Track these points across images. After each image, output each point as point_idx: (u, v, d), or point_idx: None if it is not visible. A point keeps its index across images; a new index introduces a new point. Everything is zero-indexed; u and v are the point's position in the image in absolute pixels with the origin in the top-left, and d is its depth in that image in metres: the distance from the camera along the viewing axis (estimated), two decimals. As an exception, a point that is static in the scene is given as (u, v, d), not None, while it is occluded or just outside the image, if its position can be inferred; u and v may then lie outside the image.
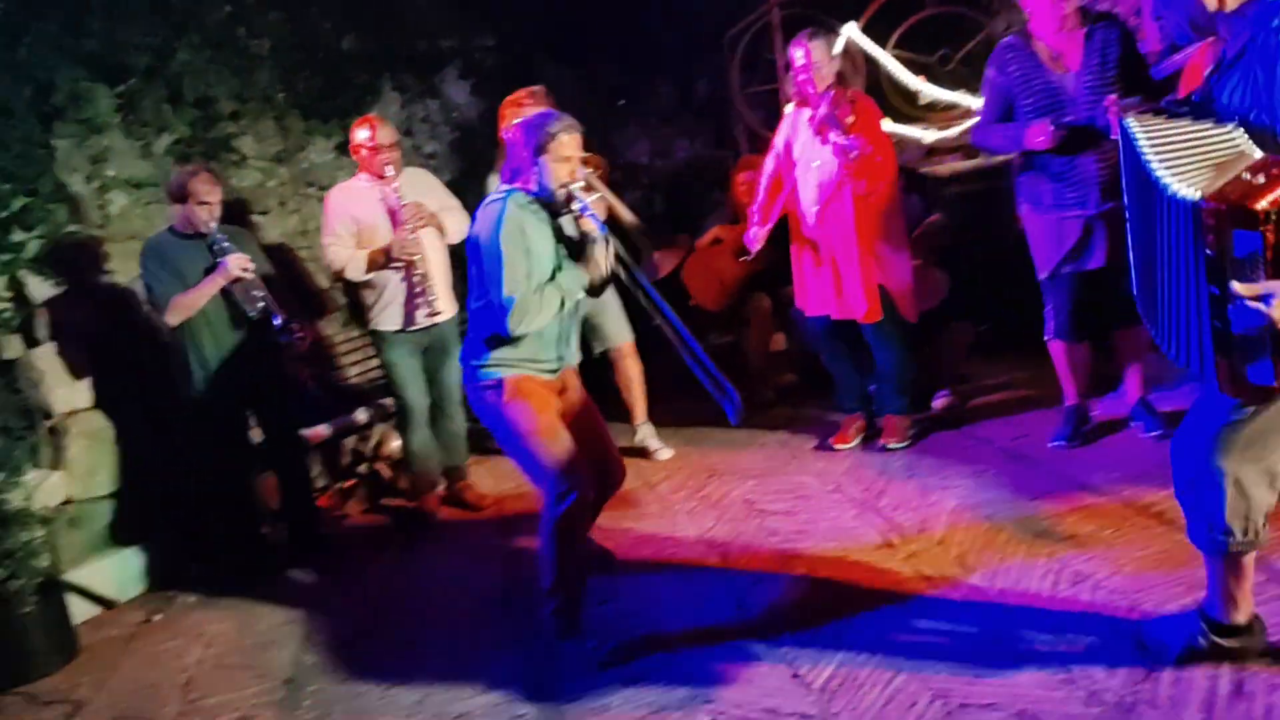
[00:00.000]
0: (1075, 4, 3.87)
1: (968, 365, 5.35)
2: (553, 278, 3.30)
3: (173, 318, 4.38)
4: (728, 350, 6.49)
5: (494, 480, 5.38)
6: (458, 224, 4.85)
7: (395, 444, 5.48)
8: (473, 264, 3.34)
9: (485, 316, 3.31)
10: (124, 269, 5.00)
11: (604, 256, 3.38)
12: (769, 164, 4.73)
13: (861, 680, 2.93)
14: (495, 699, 3.27)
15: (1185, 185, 2.07)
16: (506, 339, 3.29)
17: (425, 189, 4.86)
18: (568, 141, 3.27)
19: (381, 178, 4.68)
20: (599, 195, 3.47)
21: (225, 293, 4.42)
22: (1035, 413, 4.63)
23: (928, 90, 5.88)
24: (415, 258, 4.66)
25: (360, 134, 4.70)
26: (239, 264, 4.37)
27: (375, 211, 4.69)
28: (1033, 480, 4.02)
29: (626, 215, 3.54)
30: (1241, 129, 2.11)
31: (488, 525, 4.82)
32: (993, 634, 3.02)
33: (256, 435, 4.79)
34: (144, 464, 4.90)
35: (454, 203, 4.94)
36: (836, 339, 4.77)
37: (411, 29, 6.37)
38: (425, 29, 6.44)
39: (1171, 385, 4.38)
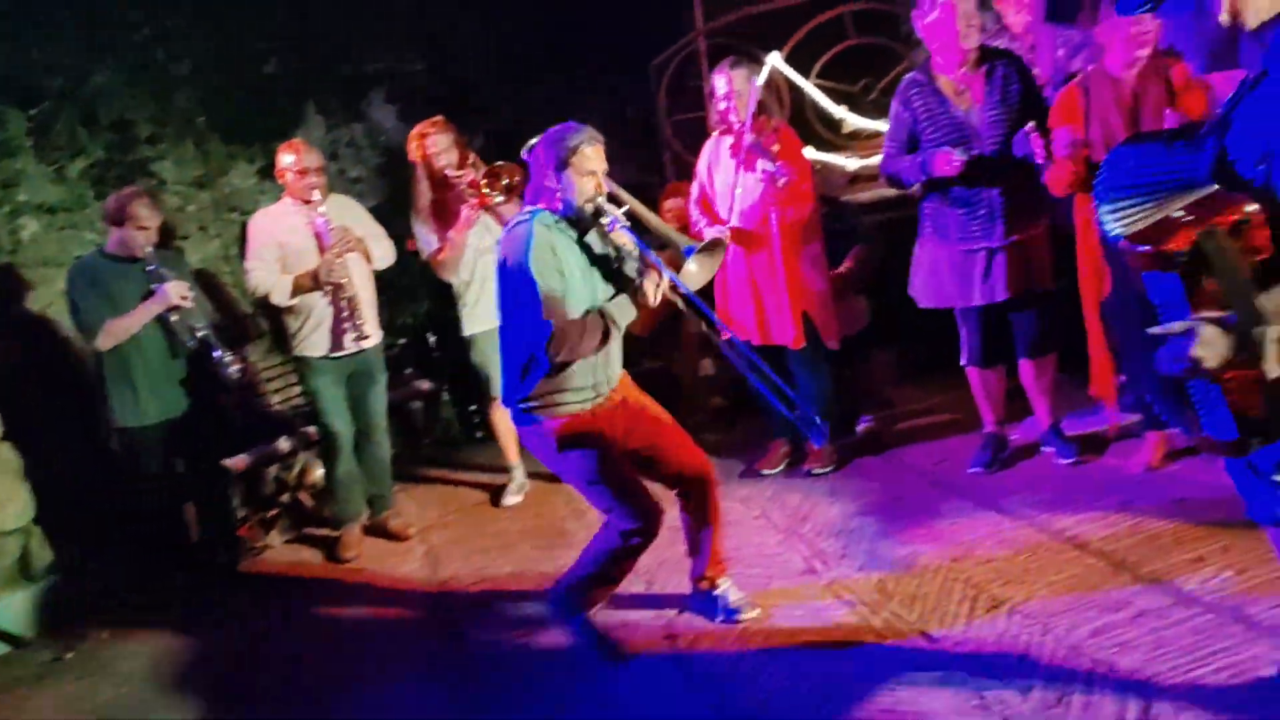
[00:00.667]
0: (976, 42, 3.98)
1: (891, 391, 5.43)
2: (588, 296, 3.13)
3: (104, 342, 4.28)
4: (656, 375, 6.52)
5: (419, 508, 5.33)
6: (383, 251, 4.83)
7: (319, 473, 5.39)
8: (504, 291, 3.17)
9: (519, 346, 3.17)
10: (37, 296, 4.88)
11: (652, 285, 3.14)
12: (695, 190, 4.78)
13: (782, 712, 2.94)
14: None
15: (1118, 224, 1.96)
16: (543, 369, 3.13)
17: (350, 215, 4.82)
18: (591, 154, 3.14)
19: (307, 202, 4.63)
20: (627, 205, 3.38)
21: (159, 319, 4.34)
22: (955, 438, 4.71)
23: (851, 119, 5.98)
24: (343, 282, 4.62)
25: (286, 158, 4.65)
26: (178, 291, 4.31)
27: (301, 236, 4.64)
28: (952, 506, 4.08)
29: (656, 222, 3.51)
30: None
31: (412, 554, 4.77)
32: (910, 659, 3.06)
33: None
34: (57, 496, 4.76)
35: (379, 230, 4.91)
36: (765, 360, 4.80)
37: (337, 52, 6.31)
38: (351, 52, 6.39)
39: (1083, 411, 4.48)
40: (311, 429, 5.25)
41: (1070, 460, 4.22)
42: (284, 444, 5.43)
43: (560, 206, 3.17)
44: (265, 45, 6.02)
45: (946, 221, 4.13)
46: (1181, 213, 1.87)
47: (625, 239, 3.22)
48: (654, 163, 6.72)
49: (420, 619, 4.07)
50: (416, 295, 6.36)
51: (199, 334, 4.34)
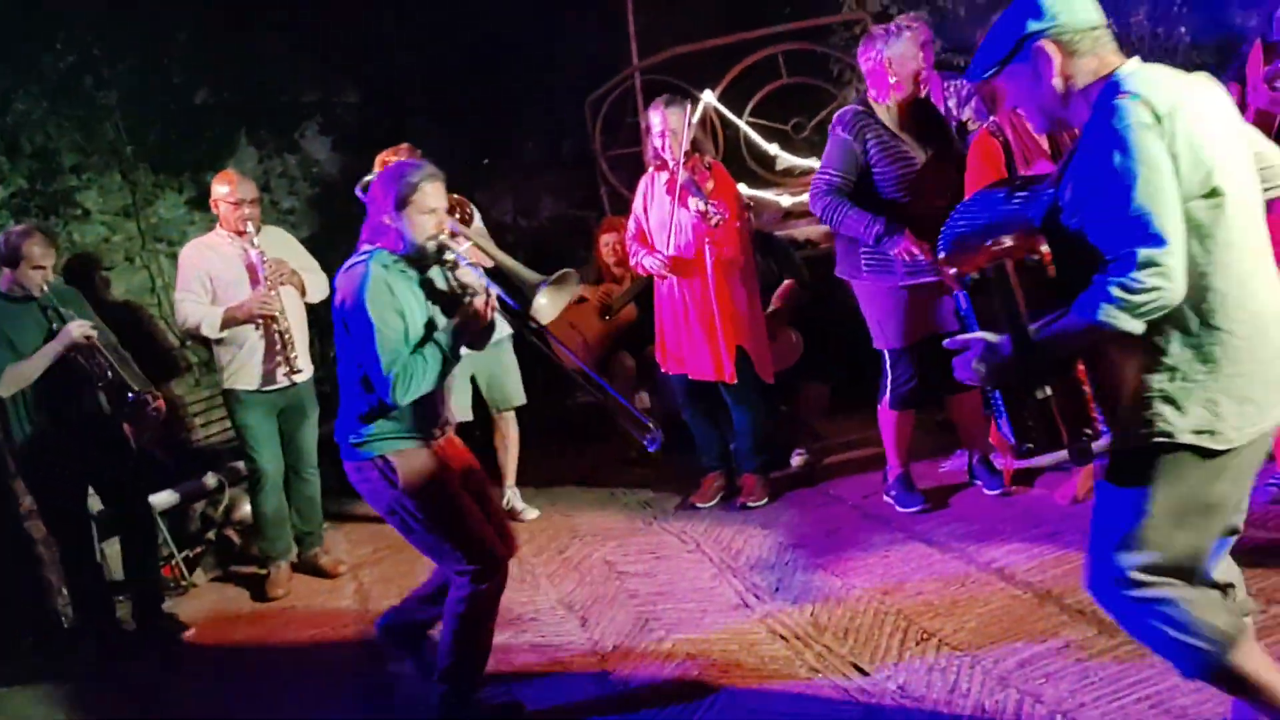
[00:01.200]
0: (911, 88, 4.04)
1: (822, 424, 5.48)
2: (428, 337, 3.05)
3: (5, 389, 4.07)
4: (591, 409, 6.52)
5: (350, 545, 5.24)
6: (317, 284, 4.77)
7: (246, 509, 5.28)
8: (340, 332, 3.07)
9: (359, 388, 3.06)
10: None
11: (485, 307, 3.05)
12: (631, 225, 4.80)
13: (716, 745, 2.95)
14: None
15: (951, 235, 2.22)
16: (387, 408, 3.03)
17: (284, 248, 4.76)
18: (431, 191, 3.05)
19: (241, 233, 4.56)
20: (470, 243, 3.33)
21: (63, 359, 4.17)
22: (884, 470, 4.76)
23: (783, 156, 6.08)
24: (276, 315, 4.55)
25: (220, 188, 4.58)
26: (82, 330, 4.12)
27: (233, 267, 4.57)
28: (884, 539, 4.12)
29: (502, 257, 3.52)
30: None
31: (341, 593, 4.68)
32: (843, 692, 3.07)
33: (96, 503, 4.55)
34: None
35: (313, 263, 4.85)
36: (696, 398, 4.84)
37: (271, 82, 6.26)
38: (285, 83, 6.35)
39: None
40: (240, 464, 5.15)
41: (998, 491, 4.29)
42: (210, 480, 5.32)
43: (400, 245, 3.08)
44: (196, 74, 5.95)
45: (890, 258, 4.03)
46: (991, 242, 2.11)
47: (471, 276, 3.17)
48: (590, 197, 6.75)
49: (349, 658, 3.99)
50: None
51: (107, 373, 4.17)
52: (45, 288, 4.14)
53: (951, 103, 4.66)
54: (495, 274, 3.30)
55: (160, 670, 4.20)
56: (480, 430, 5.45)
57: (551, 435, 6.13)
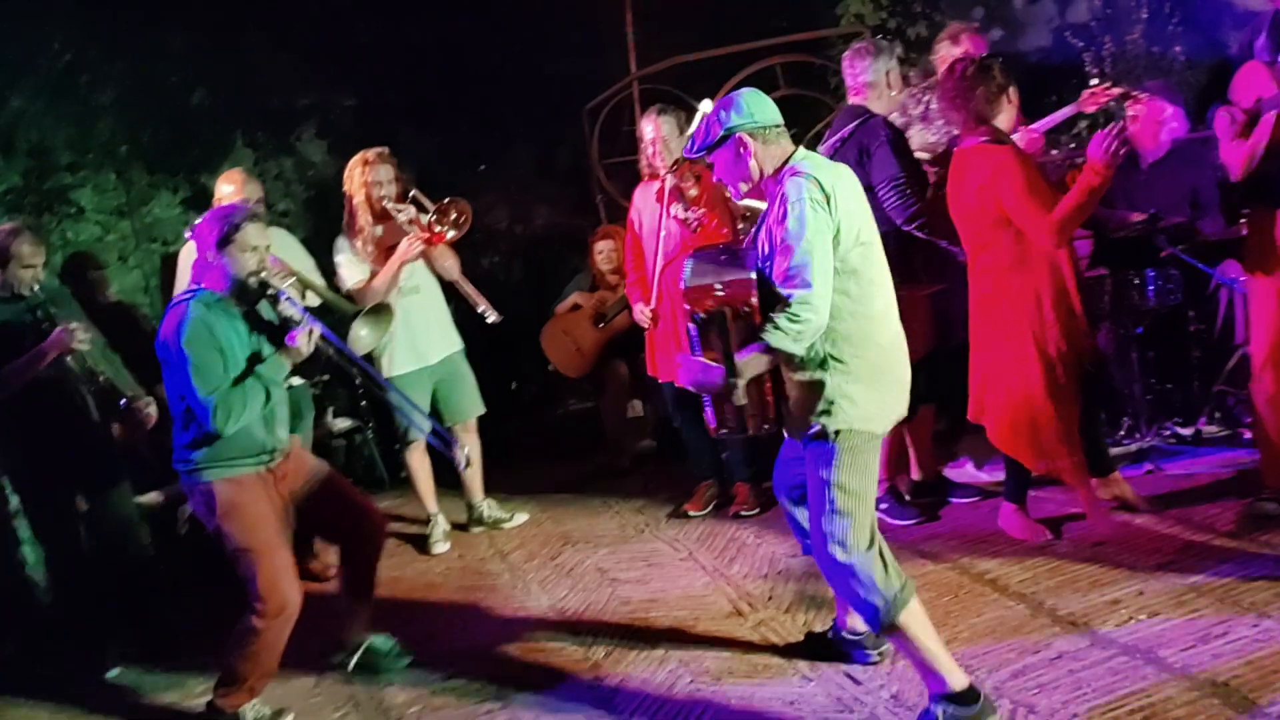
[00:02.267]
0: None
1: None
2: (250, 370, 3.29)
3: None
4: (585, 416, 6.52)
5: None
6: (321, 286, 4.73)
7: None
8: (165, 368, 3.30)
9: (182, 414, 3.30)
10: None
11: (305, 339, 3.34)
12: (628, 238, 4.82)
13: (708, 752, 2.93)
14: (332, 782, 3.14)
15: (686, 276, 2.83)
16: (213, 436, 3.24)
17: (289, 250, 4.73)
18: (253, 231, 3.30)
19: None
20: (293, 279, 3.61)
21: (55, 364, 4.10)
22: (879, 482, 4.75)
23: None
24: None
25: (225, 188, 4.56)
26: (74, 335, 4.08)
27: None
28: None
29: (322, 290, 3.80)
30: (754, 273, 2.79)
31: (327, 596, 4.63)
32: (836, 702, 3.06)
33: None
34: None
35: (311, 265, 4.81)
36: (688, 405, 4.83)
37: (267, 85, 6.26)
38: (281, 86, 6.34)
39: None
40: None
41: (910, 522, 4.28)
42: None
43: (224, 284, 3.31)
44: (192, 76, 5.94)
45: None
46: (719, 286, 2.76)
47: (291, 310, 3.40)
48: (585, 205, 6.76)
49: (331, 668, 3.96)
50: (342, 333, 6.26)
51: (99, 379, 4.13)
52: (35, 287, 4.09)
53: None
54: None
55: (146, 673, 4.16)
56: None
57: (544, 444, 6.12)
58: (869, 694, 3.07)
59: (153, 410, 4.25)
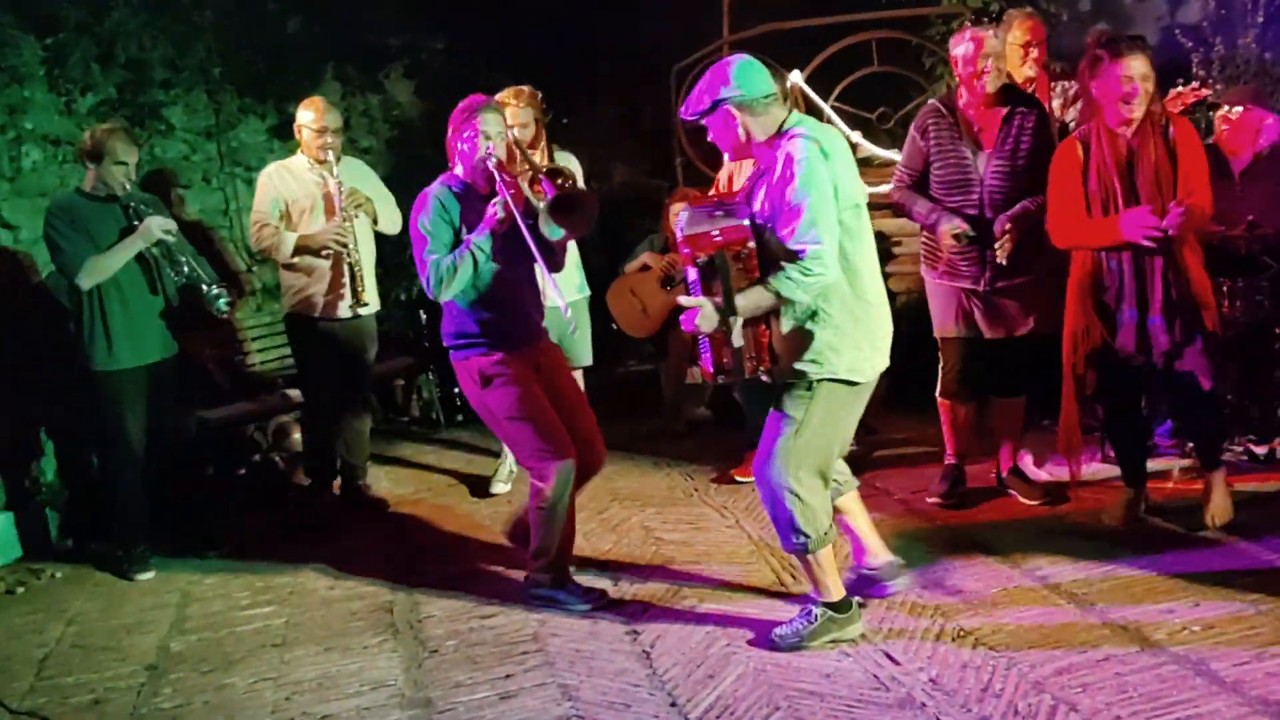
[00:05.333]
0: (996, 86, 3.95)
1: (877, 418, 5.40)
2: (457, 240, 3.52)
3: (86, 280, 4.11)
4: (644, 378, 6.51)
5: (391, 483, 5.28)
6: (390, 215, 4.77)
7: (295, 436, 5.34)
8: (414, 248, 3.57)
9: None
10: (30, 226, 4.81)
11: (499, 207, 3.45)
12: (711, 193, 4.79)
13: (739, 714, 2.92)
14: (365, 702, 3.19)
15: (683, 226, 3.02)
16: (469, 315, 3.56)
17: (361, 178, 4.78)
18: (490, 119, 3.56)
19: (320, 161, 4.59)
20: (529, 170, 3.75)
21: (141, 258, 4.22)
22: (936, 467, 4.67)
23: (865, 145, 5.98)
24: (348, 245, 4.56)
25: (306, 114, 4.60)
26: (161, 226, 4.18)
27: (310, 194, 4.59)
28: (925, 533, 4.06)
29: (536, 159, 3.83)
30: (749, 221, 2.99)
31: (378, 529, 4.71)
32: (873, 679, 3.03)
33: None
34: (19, 431, 4.69)
35: (388, 195, 4.85)
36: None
37: (361, 21, 6.29)
38: (375, 23, 6.38)
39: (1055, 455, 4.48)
40: (294, 392, 5.20)
41: (1035, 503, 4.21)
42: (263, 403, 5.38)
43: (465, 170, 3.62)
44: (289, 5, 5.99)
45: (938, 256, 4.16)
46: (717, 232, 2.96)
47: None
48: (664, 167, 6.72)
49: (379, 590, 4.01)
50: (409, 272, 6.31)
51: (184, 269, 4.23)
52: (127, 186, 4.19)
53: (1056, 104, 4.54)
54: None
55: (192, 581, 4.26)
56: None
57: (600, 401, 6.10)
58: (907, 675, 3.04)
59: (229, 301, 4.31)
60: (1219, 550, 3.65)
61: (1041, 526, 4.03)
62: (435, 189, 3.57)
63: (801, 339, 3.01)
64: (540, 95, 4.56)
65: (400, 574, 4.13)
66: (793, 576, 3.78)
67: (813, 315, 2.99)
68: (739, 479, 4.83)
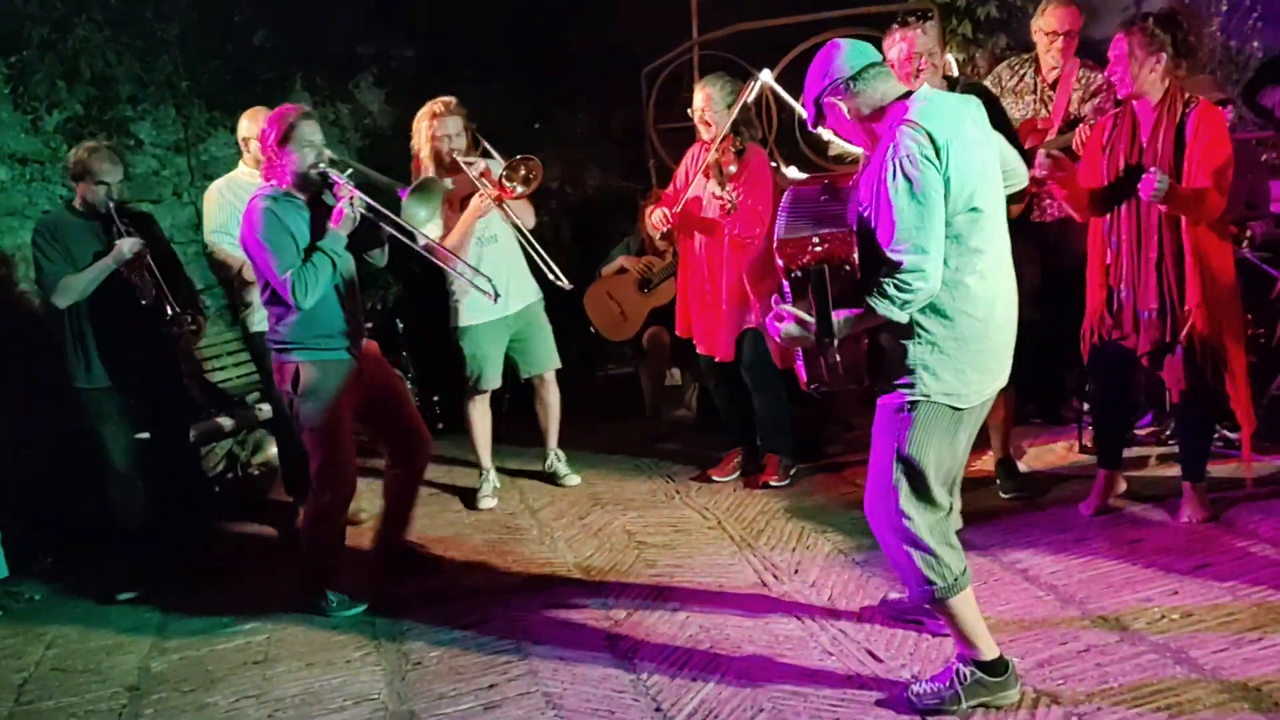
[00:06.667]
0: (933, 81, 3.92)
1: (858, 416, 5.42)
2: (313, 246, 3.63)
3: (60, 300, 4.08)
4: (623, 381, 6.50)
5: (371, 494, 5.24)
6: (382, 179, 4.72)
7: (271, 450, 5.31)
8: (252, 265, 3.72)
9: (272, 300, 3.68)
10: (-1, 244, 4.78)
11: (348, 205, 3.63)
12: (669, 192, 4.82)
13: (724, 717, 2.92)
14: (349, 717, 3.18)
15: (781, 229, 2.67)
16: (298, 316, 3.63)
17: None
18: (308, 128, 3.63)
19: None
20: (351, 170, 3.78)
21: (122, 277, 4.17)
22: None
23: (837, 142, 5.97)
24: None
25: (252, 126, 4.53)
26: (131, 248, 4.14)
27: None
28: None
29: (382, 179, 3.95)
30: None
31: (357, 541, 4.68)
32: (857, 679, 3.04)
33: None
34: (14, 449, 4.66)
35: None
36: (719, 374, 4.82)
37: (329, 30, 6.25)
38: (343, 32, 6.34)
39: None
40: (263, 406, 5.17)
41: (1009, 496, 4.23)
42: (231, 420, 5.34)
43: (288, 179, 3.67)
44: (257, 15, 5.95)
45: None
46: (817, 240, 2.60)
47: (345, 191, 3.66)
48: (638, 169, 6.71)
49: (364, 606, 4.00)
50: (386, 281, 6.30)
51: (151, 291, 4.20)
52: (110, 204, 4.16)
53: (1075, 96, 4.52)
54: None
55: (171, 597, 4.23)
56: (510, 395, 5.44)
57: (579, 405, 6.10)
58: (889, 673, 3.05)
59: (198, 328, 4.36)
60: (1196, 538, 3.67)
61: (1020, 519, 4.04)
62: (261, 202, 3.62)
63: (898, 354, 2.68)
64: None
65: (380, 584, 4.10)
66: (775, 576, 3.79)
67: (909, 330, 2.65)
68: (716, 479, 4.84)
